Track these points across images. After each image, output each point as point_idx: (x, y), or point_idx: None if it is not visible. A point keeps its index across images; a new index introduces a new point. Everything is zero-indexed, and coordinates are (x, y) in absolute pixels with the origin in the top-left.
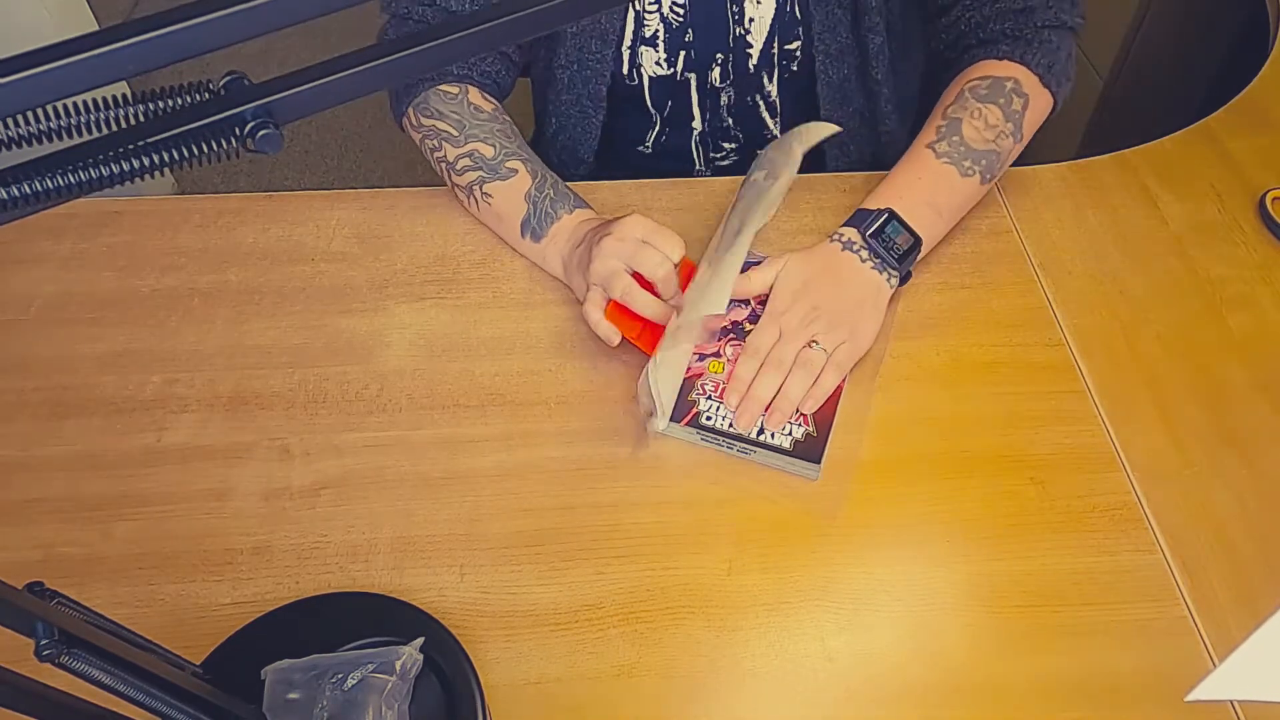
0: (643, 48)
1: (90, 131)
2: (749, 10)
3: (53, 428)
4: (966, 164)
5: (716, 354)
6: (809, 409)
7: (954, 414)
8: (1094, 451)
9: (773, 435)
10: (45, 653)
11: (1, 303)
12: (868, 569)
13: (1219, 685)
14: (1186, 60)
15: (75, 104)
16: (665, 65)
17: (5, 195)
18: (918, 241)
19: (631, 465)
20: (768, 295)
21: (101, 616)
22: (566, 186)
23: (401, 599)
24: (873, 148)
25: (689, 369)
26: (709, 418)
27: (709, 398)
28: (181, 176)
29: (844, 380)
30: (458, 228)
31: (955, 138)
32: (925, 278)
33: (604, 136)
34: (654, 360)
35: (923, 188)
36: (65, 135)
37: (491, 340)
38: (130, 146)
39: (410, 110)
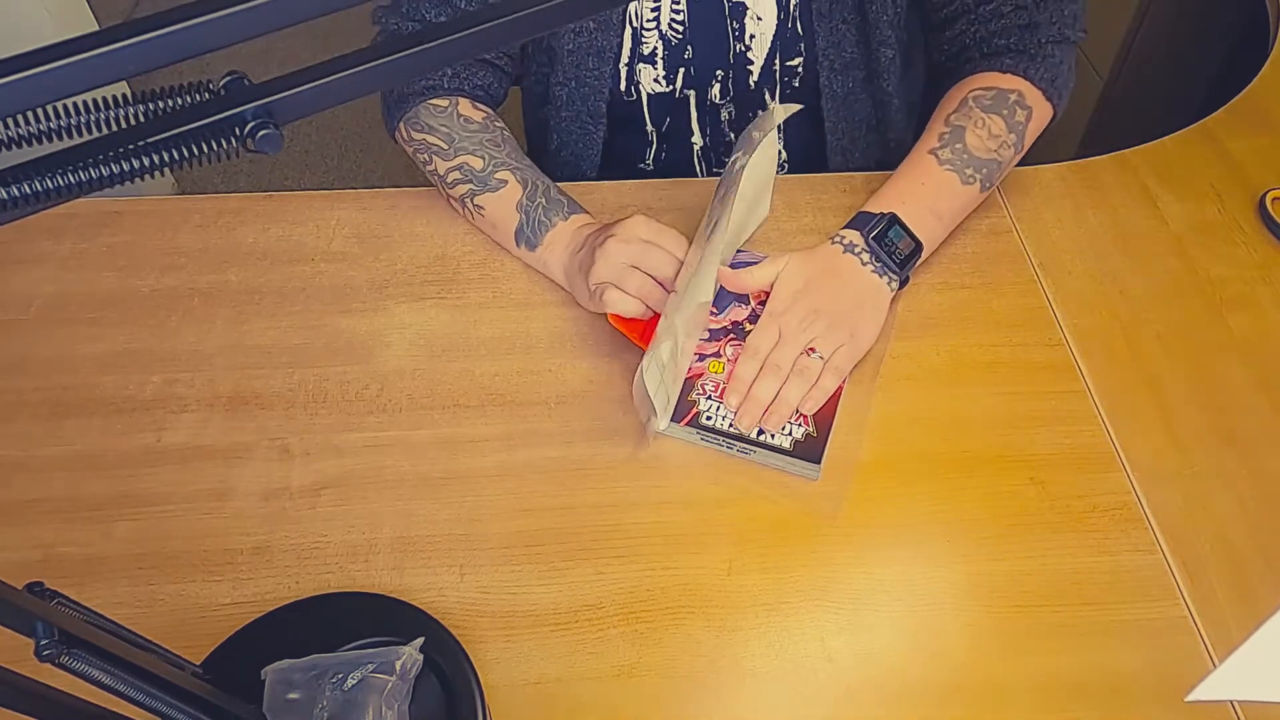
0: (641, 65)
1: (90, 131)
2: (750, 27)
3: (53, 428)
4: (968, 171)
5: (716, 354)
6: (809, 410)
7: (954, 414)
8: (1094, 451)
9: (773, 435)
10: (45, 653)
11: (1, 303)
12: (868, 569)
13: (1219, 685)
14: (1186, 60)
15: (75, 104)
16: (664, 82)
17: (5, 195)
18: (919, 246)
19: (631, 465)
20: (768, 294)
21: (101, 616)
22: (561, 192)
23: (401, 599)
24: (880, 154)
25: (689, 369)
26: (709, 418)
27: (709, 398)
28: (181, 176)
29: (844, 380)
30: (458, 228)
31: (959, 145)
32: (925, 278)
33: (605, 153)
34: (645, 360)
35: (925, 193)
36: (65, 135)
37: (491, 340)
38: (130, 146)
39: (401, 125)
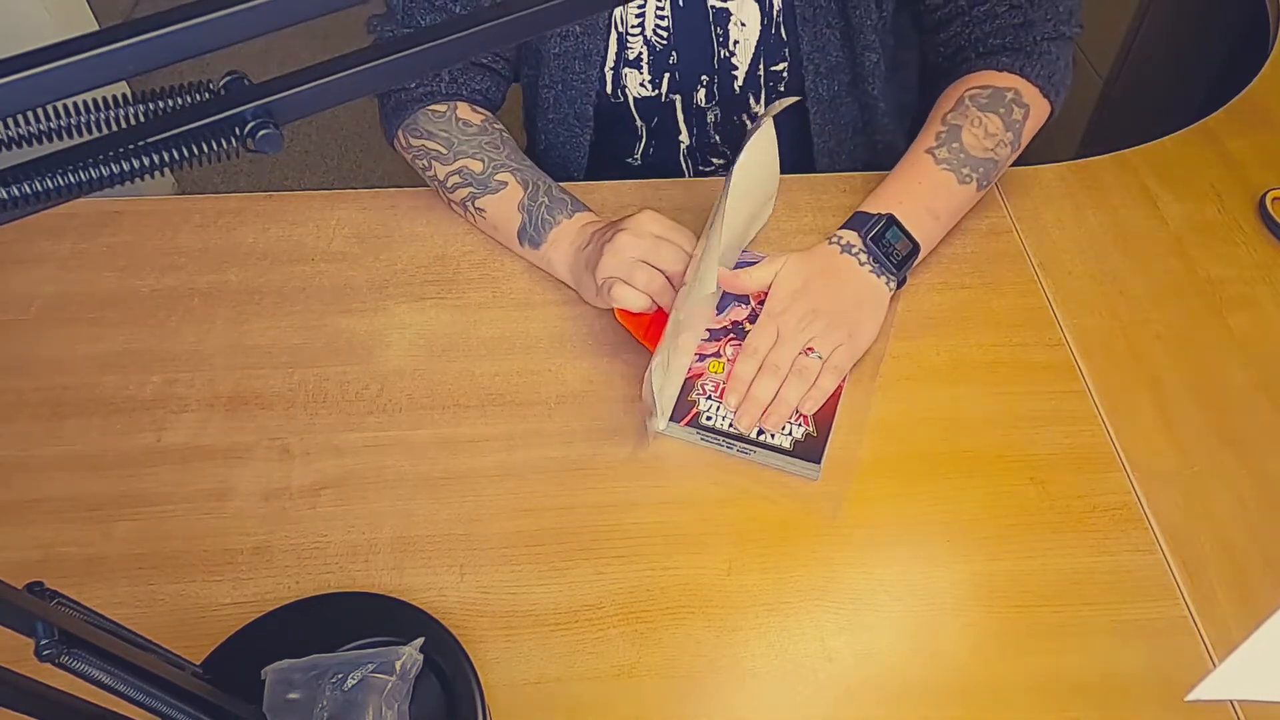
0: (626, 69)
1: (90, 131)
2: (733, 33)
3: (53, 428)
4: (965, 171)
5: (716, 354)
6: (808, 409)
7: (954, 414)
8: (1094, 451)
9: (773, 435)
10: (45, 653)
11: (1, 303)
12: (868, 569)
13: (1219, 685)
14: (1186, 60)
15: (75, 104)
16: (650, 87)
17: (5, 195)
18: (916, 247)
19: (631, 465)
20: (768, 294)
21: (101, 616)
22: (563, 191)
23: (401, 599)
24: (867, 155)
25: (689, 369)
26: (709, 418)
27: (709, 398)
28: (181, 176)
29: (844, 380)
30: (458, 228)
31: (955, 144)
32: (925, 278)
33: (593, 150)
34: (654, 359)
35: (922, 193)
36: (65, 135)
37: (491, 340)
38: (130, 146)
39: (400, 132)
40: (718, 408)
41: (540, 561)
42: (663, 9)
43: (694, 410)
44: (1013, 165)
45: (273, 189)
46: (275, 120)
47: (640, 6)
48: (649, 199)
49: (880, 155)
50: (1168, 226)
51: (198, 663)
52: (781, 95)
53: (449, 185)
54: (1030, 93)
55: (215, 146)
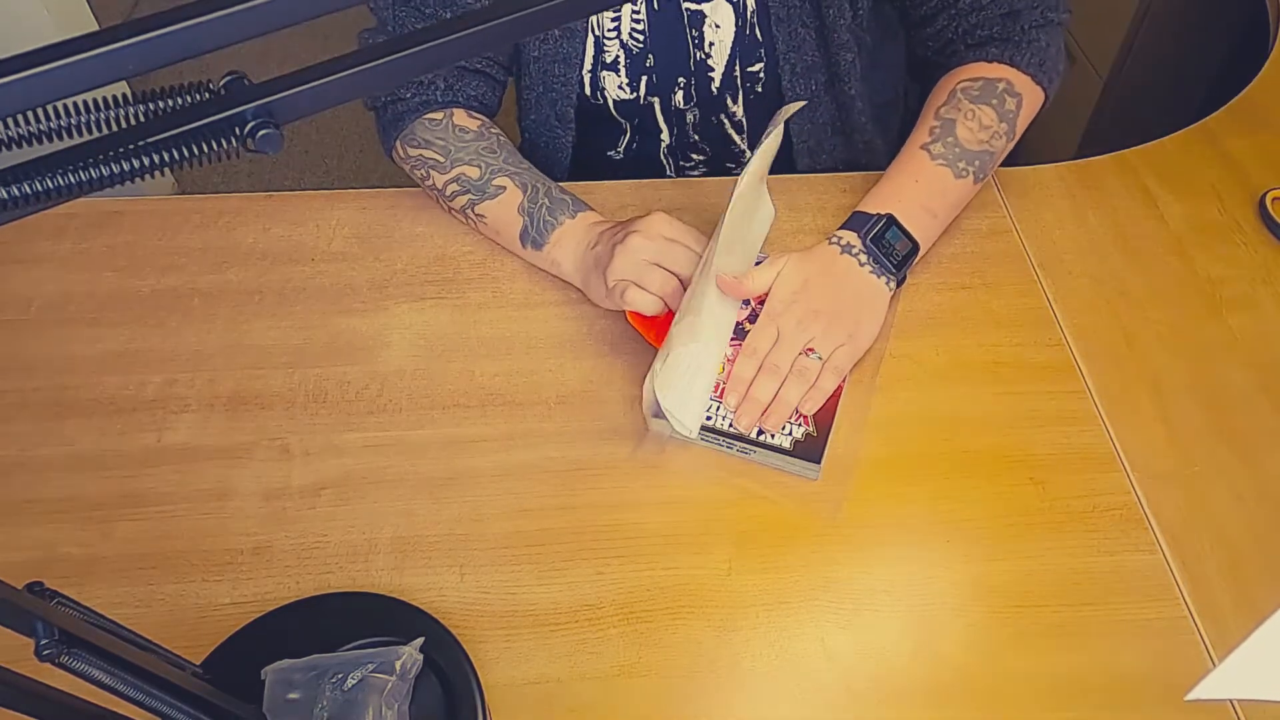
0: (604, 72)
1: (90, 131)
2: (708, 35)
3: (53, 428)
4: (961, 165)
5: None
6: (808, 410)
7: (954, 414)
8: (1094, 451)
9: (773, 435)
10: (45, 653)
11: (1, 303)
12: (868, 569)
13: (1218, 685)
14: (1186, 60)
15: (75, 104)
16: (628, 90)
17: (5, 195)
18: (915, 247)
19: (631, 465)
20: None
21: (101, 616)
22: (564, 191)
23: (401, 599)
24: (847, 155)
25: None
26: (709, 418)
27: (710, 398)
28: (181, 176)
29: (844, 380)
30: (458, 228)
31: (950, 139)
32: (925, 278)
33: (577, 147)
34: (655, 362)
35: (919, 191)
36: (65, 135)
37: (491, 340)
38: (130, 146)
39: (398, 144)
40: (718, 407)
41: (540, 561)
42: (638, 13)
43: None
44: (1013, 166)
45: (273, 189)
46: (275, 120)
47: (616, 10)
48: (648, 200)
49: (860, 154)
50: (1168, 226)
51: (198, 663)
52: (760, 95)
53: (448, 194)
54: (1022, 82)
55: (215, 146)
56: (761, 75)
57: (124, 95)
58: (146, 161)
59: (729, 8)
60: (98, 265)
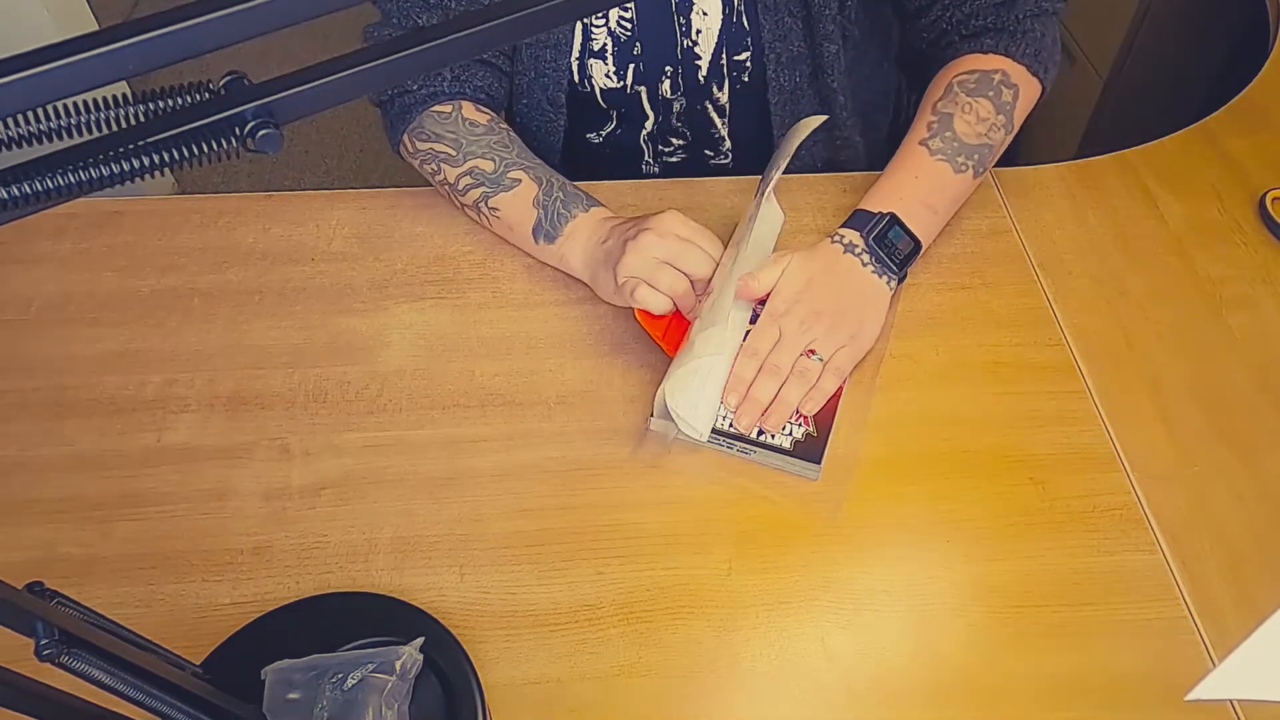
0: (592, 60)
1: (90, 131)
2: (695, 22)
3: (53, 428)
4: (960, 159)
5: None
6: (809, 410)
7: (954, 414)
8: (1094, 451)
9: (773, 435)
10: (45, 653)
11: (1, 303)
12: (868, 569)
13: (1218, 685)
14: (1186, 60)
15: (75, 104)
16: (615, 78)
17: (5, 195)
18: (918, 246)
19: (631, 465)
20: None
21: (101, 616)
22: (576, 187)
23: (401, 599)
24: (826, 153)
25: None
26: None
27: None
28: (181, 176)
29: (844, 381)
30: (458, 228)
31: (948, 133)
32: (925, 278)
33: (565, 132)
34: (672, 367)
35: (920, 187)
36: (65, 135)
37: (491, 340)
38: (130, 146)
39: (405, 137)
40: (719, 407)
41: (540, 561)
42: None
43: None
44: (1013, 166)
45: (273, 189)
46: (275, 120)
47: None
48: (647, 199)
49: (839, 152)
50: (1168, 226)
51: (198, 663)
52: (747, 85)
53: (460, 187)
54: (1018, 72)
55: (215, 146)
56: (748, 65)
57: (124, 95)
58: (146, 161)
59: None
60: (98, 265)
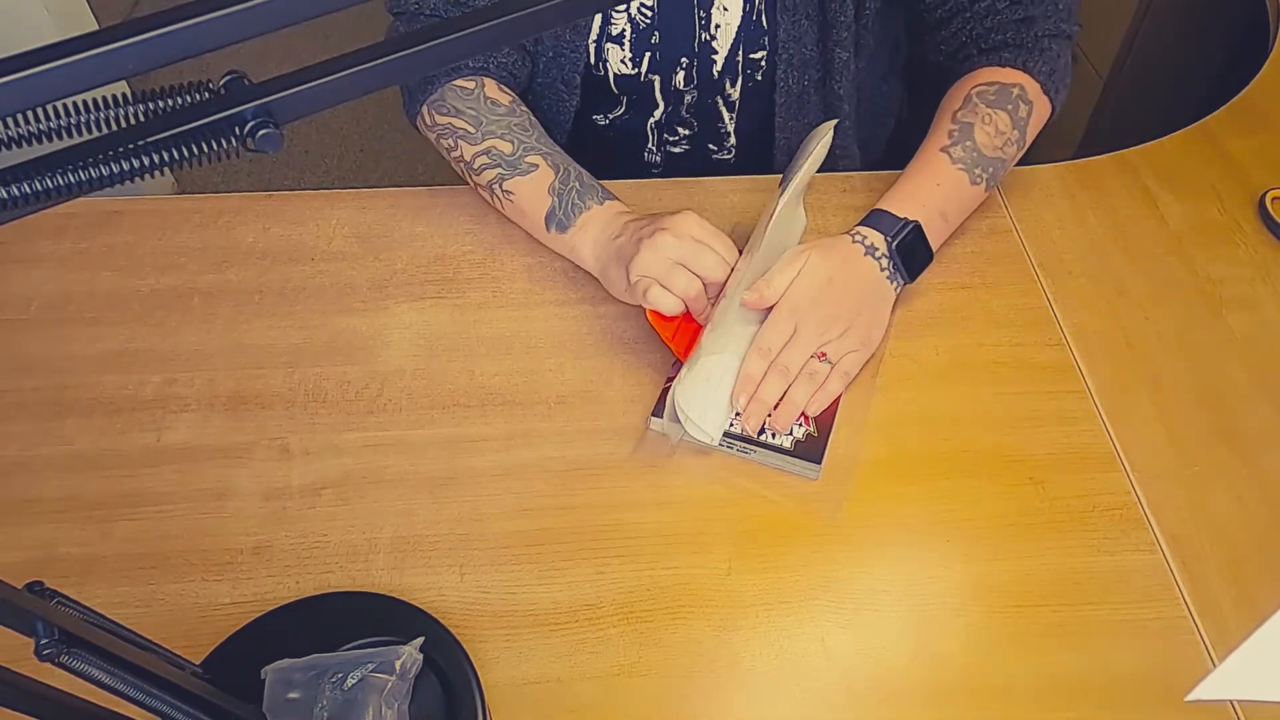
0: (609, 45)
1: (90, 131)
2: (715, 17)
3: (53, 428)
4: (976, 171)
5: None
6: (813, 411)
7: (954, 414)
8: (1094, 451)
9: (773, 435)
10: (45, 652)
11: (1, 303)
12: (868, 569)
13: (1219, 685)
14: (1186, 60)
15: (75, 104)
16: (630, 65)
17: (5, 195)
18: (930, 256)
19: (631, 465)
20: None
21: (101, 616)
22: (593, 179)
23: (401, 599)
24: (826, 161)
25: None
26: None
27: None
28: (181, 176)
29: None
30: (458, 228)
31: (969, 143)
32: (925, 277)
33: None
34: (683, 371)
35: (940, 195)
36: (65, 135)
37: (491, 340)
38: (130, 146)
39: (425, 108)
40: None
41: (540, 561)
42: None
43: None
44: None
45: (273, 189)
46: (275, 120)
47: None
48: (647, 199)
49: (838, 161)
50: (1168, 226)
51: (198, 663)
52: (758, 85)
53: (475, 166)
54: (1033, 89)
55: (215, 146)
56: (763, 64)
57: (124, 95)
58: (146, 161)
59: None
60: (97, 265)
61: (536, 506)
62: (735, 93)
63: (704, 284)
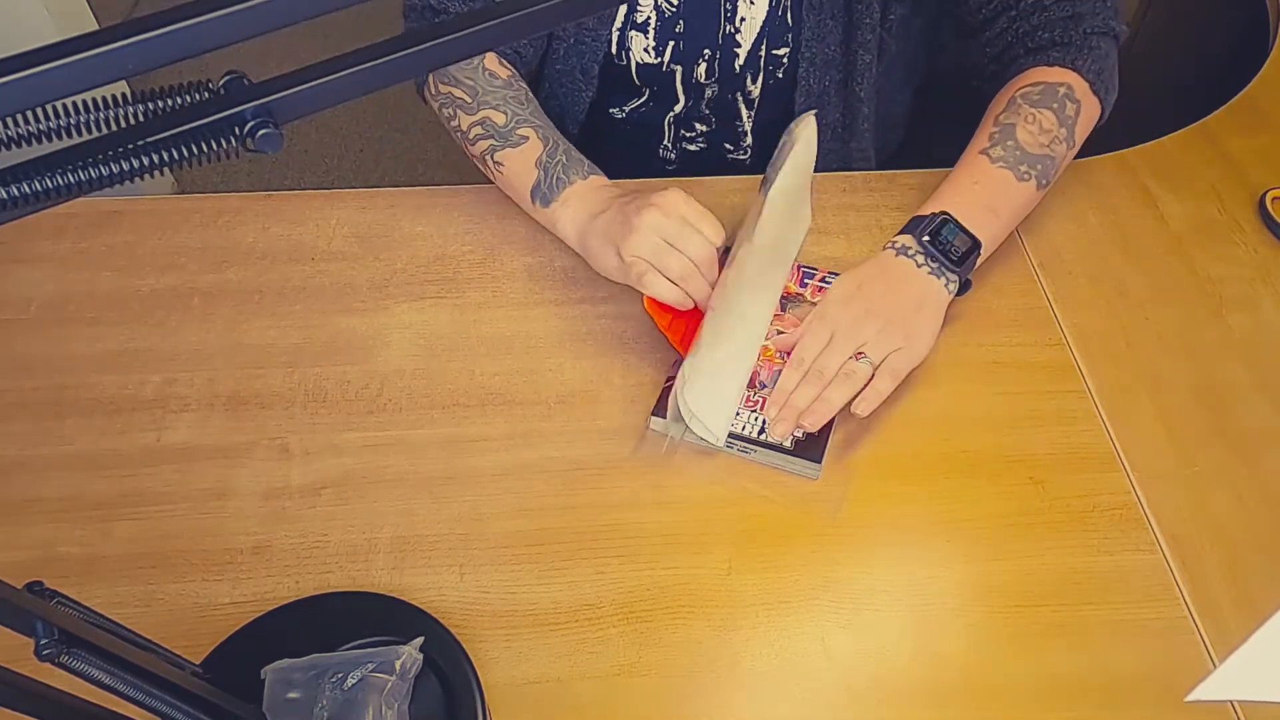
0: (633, 32)
1: (90, 131)
2: (741, 9)
3: (53, 428)
4: (1023, 168)
5: None
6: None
7: (954, 414)
8: (1094, 451)
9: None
10: (45, 652)
11: (1, 303)
12: (868, 569)
13: (1219, 685)
14: (1186, 60)
15: (75, 104)
16: (653, 54)
17: (5, 195)
18: (976, 244)
19: (631, 465)
20: (788, 296)
21: (101, 616)
22: (580, 155)
23: (401, 599)
24: (839, 163)
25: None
26: None
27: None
28: (181, 176)
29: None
30: (458, 228)
31: (1010, 142)
32: None
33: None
34: (685, 365)
35: (980, 191)
36: (65, 135)
37: (491, 340)
38: (130, 146)
39: (431, 78)
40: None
41: (540, 561)
42: None
43: None
44: None
45: (273, 189)
46: (275, 120)
47: None
48: None
49: (856, 163)
50: (1168, 226)
51: (198, 662)
52: (779, 81)
53: (471, 136)
54: (1081, 88)
55: (215, 146)
56: (785, 61)
57: (124, 95)
58: (146, 161)
59: None
60: (97, 265)
61: (536, 506)
62: (756, 89)
63: (694, 262)
